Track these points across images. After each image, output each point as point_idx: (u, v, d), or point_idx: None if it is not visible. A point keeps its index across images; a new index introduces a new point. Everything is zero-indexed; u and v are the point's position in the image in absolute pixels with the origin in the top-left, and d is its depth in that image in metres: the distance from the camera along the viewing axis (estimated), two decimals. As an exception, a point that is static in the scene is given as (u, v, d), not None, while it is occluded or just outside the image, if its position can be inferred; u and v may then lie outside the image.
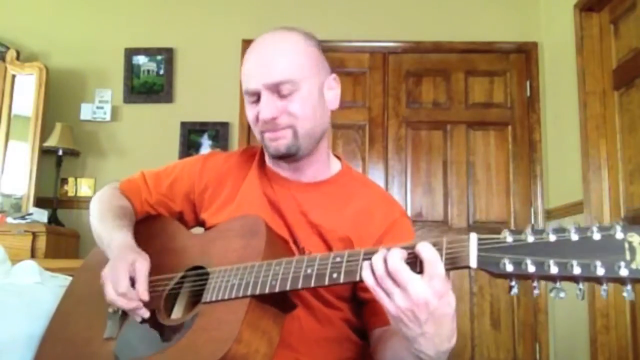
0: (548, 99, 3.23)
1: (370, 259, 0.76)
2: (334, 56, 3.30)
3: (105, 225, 1.09)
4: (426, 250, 0.71)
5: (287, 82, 0.99)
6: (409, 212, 3.21)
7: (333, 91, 1.09)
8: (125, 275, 0.94)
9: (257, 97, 1.01)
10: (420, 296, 0.70)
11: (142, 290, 0.93)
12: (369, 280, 0.74)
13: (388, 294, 0.72)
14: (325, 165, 1.12)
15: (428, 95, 3.35)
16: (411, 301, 0.70)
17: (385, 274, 0.72)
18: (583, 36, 2.75)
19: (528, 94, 3.29)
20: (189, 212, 1.17)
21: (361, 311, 1.04)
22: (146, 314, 0.94)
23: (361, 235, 1.03)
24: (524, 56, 3.32)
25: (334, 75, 1.10)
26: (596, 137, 2.66)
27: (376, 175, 3.23)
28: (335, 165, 1.15)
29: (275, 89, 0.99)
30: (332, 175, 1.12)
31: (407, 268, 0.71)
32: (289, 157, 1.04)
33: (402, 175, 3.28)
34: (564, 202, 2.94)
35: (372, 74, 3.37)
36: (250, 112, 1.04)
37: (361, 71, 3.37)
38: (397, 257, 0.72)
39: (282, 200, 1.07)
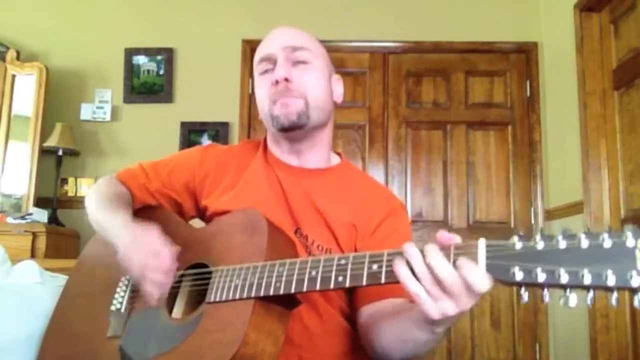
0: (548, 99, 3.23)
1: (376, 262, 0.75)
2: (334, 56, 3.26)
3: (105, 210, 1.07)
4: (477, 276, 0.66)
5: (305, 50, 1.07)
6: (409, 212, 3.21)
7: (339, 85, 1.16)
8: (158, 243, 0.92)
9: (272, 65, 1.07)
10: (470, 304, 0.68)
11: (173, 257, 0.91)
12: (409, 283, 0.69)
13: (434, 298, 0.68)
14: (326, 156, 1.15)
15: (428, 95, 3.35)
16: (461, 308, 0.68)
17: (431, 279, 0.68)
18: (583, 36, 2.75)
19: (528, 94, 3.29)
20: (188, 200, 1.16)
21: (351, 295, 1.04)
22: (164, 291, 0.91)
23: (363, 223, 1.04)
24: (524, 56, 3.32)
25: (338, 75, 1.17)
26: (596, 137, 2.66)
27: (376, 175, 3.23)
28: (335, 159, 1.19)
29: (292, 54, 1.06)
30: (333, 166, 1.15)
31: (455, 275, 0.67)
32: (298, 127, 1.05)
33: (402, 175, 3.28)
34: (564, 202, 2.94)
35: (372, 74, 3.37)
36: (262, 86, 1.08)
37: (361, 71, 3.37)
38: (442, 261, 0.67)
39: (287, 186, 1.08)
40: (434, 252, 0.68)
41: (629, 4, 2.49)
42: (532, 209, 3.19)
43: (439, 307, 0.68)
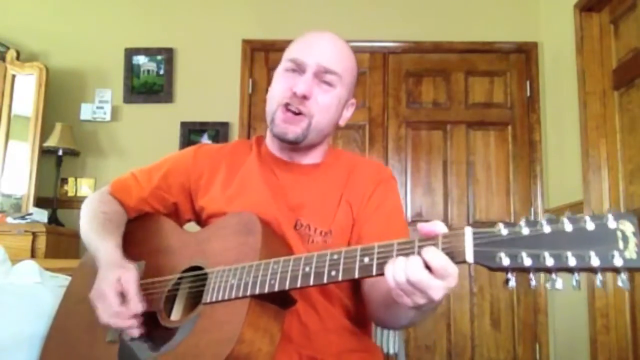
0: (548, 99, 3.23)
1: (367, 255, 0.77)
2: (334, 56, 3.29)
3: (91, 236, 1.08)
4: (436, 258, 0.70)
5: (336, 75, 1.06)
6: (408, 212, 3.21)
7: (348, 112, 1.16)
8: (113, 294, 0.92)
9: (299, 69, 1.06)
10: (439, 294, 0.71)
11: (135, 303, 0.92)
12: (391, 281, 0.74)
13: (407, 294, 0.73)
14: (319, 155, 1.17)
15: (428, 95, 3.35)
16: (429, 298, 0.72)
17: (407, 283, 0.71)
18: (583, 36, 2.75)
19: (528, 94, 3.29)
20: (184, 202, 1.17)
21: (357, 290, 1.06)
22: (137, 332, 0.93)
23: (356, 198, 1.08)
24: (524, 56, 3.32)
25: (354, 100, 1.17)
26: (596, 137, 2.66)
27: (376, 175, 3.23)
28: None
29: (323, 74, 1.05)
30: (325, 159, 1.17)
31: (428, 276, 0.70)
32: (293, 143, 1.08)
33: (402, 175, 3.28)
34: (564, 202, 2.94)
35: (372, 74, 3.37)
36: (282, 81, 1.08)
37: (361, 71, 3.31)
38: (418, 268, 0.71)
39: (283, 180, 1.10)
40: (412, 260, 0.71)
41: (629, 4, 2.49)
42: (532, 209, 3.19)
43: (411, 299, 0.73)
